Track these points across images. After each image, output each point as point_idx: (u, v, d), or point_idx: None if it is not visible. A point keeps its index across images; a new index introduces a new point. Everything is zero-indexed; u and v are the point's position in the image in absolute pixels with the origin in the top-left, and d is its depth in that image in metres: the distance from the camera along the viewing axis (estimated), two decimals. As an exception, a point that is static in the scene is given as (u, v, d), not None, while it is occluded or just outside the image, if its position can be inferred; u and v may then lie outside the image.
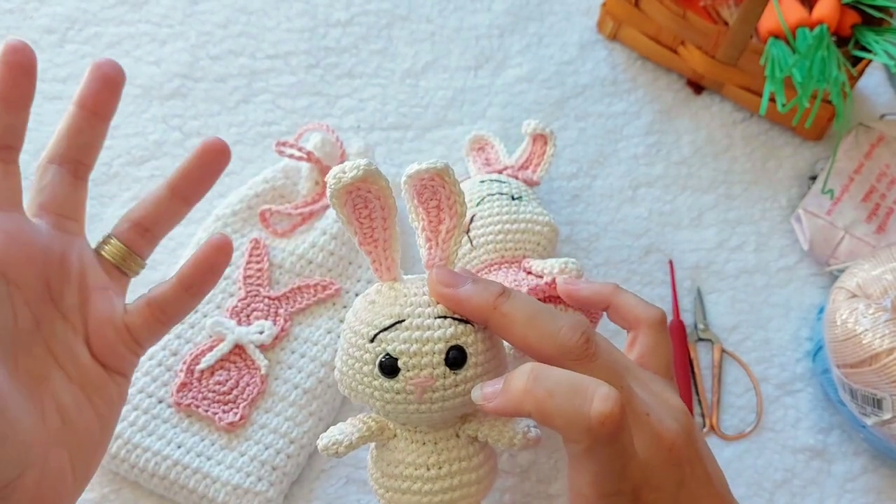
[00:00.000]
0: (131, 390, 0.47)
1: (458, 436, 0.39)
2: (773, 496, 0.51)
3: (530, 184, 0.53)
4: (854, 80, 0.57)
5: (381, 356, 0.36)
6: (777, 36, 0.58)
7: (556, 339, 0.35)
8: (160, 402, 0.47)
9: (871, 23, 0.59)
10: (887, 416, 0.47)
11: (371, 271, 0.52)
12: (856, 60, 0.58)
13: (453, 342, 0.36)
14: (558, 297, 0.47)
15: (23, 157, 0.55)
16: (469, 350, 0.37)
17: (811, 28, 0.57)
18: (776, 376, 0.55)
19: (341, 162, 0.53)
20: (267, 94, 0.60)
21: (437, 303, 0.37)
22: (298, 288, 0.51)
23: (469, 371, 0.37)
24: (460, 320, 0.37)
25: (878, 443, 0.51)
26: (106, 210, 0.54)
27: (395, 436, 0.39)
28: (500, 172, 0.53)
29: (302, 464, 0.48)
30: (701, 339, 0.55)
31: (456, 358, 0.36)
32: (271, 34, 0.62)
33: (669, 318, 0.55)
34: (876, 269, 0.50)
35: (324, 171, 0.53)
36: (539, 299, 0.46)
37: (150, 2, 0.62)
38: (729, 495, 0.38)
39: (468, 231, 0.49)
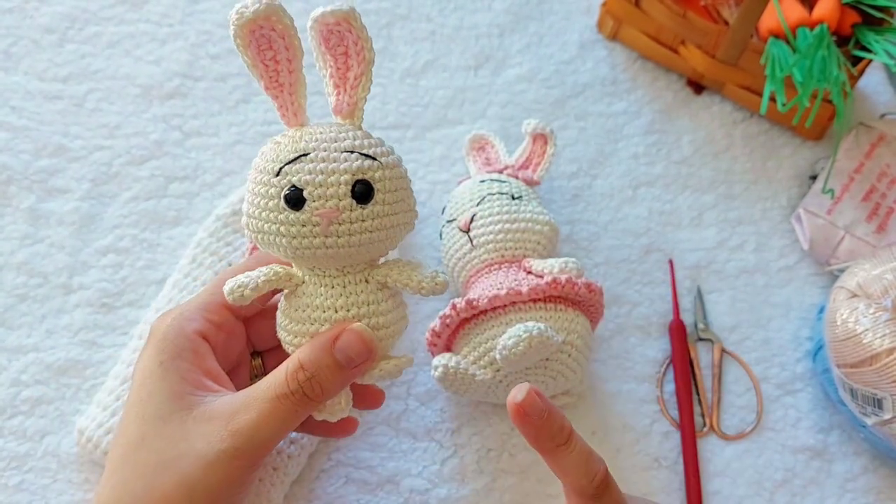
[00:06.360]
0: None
1: (367, 281, 0.39)
2: (773, 496, 0.51)
3: (530, 183, 0.53)
4: (854, 79, 0.57)
5: (287, 188, 0.36)
6: (777, 35, 0.58)
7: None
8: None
9: (872, 22, 0.59)
10: (887, 415, 0.47)
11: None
12: (856, 60, 0.58)
13: (360, 175, 0.36)
14: (559, 297, 0.47)
15: (23, 157, 0.55)
16: (376, 186, 0.36)
17: (811, 28, 0.57)
18: (776, 376, 0.55)
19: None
20: (267, 93, 0.60)
21: (345, 139, 0.37)
22: (298, 287, 0.50)
23: (376, 207, 0.36)
24: (367, 155, 0.37)
25: (878, 443, 0.51)
26: (106, 210, 0.54)
27: (303, 282, 0.39)
28: (500, 172, 0.53)
29: (302, 464, 0.48)
30: (701, 339, 0.55)
31: (362, 191, 0.36)
32: (271, 33, 0.62)
33: (670, 317, 0.55)
34: (876, 269, 0.50)
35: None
36: (539, 299, 0.46)
37: (149, 1, 0.62)
38: None
39: (468, 230, 0.49)
